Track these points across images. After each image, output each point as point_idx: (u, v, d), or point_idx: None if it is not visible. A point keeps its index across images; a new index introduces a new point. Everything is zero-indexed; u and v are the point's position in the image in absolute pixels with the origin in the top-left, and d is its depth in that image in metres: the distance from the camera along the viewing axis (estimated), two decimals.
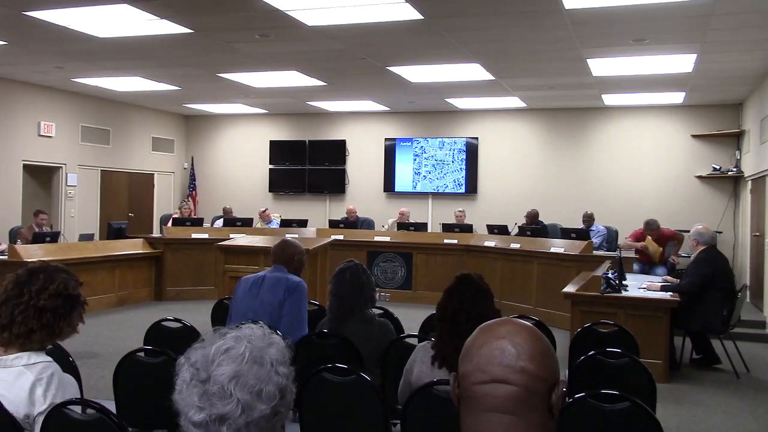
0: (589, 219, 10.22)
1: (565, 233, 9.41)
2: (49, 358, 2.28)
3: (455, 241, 9.95)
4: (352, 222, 11.51)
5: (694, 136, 11.35)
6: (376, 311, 4.04)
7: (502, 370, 1.18)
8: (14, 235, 9.29)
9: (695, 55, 7.75)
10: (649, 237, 8.16)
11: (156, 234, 11.04)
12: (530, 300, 8.70)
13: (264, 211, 11.79)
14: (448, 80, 9.61)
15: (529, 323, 1.30)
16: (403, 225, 11.09)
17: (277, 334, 1.43)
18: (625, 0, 5.84)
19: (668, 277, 7.04)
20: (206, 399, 1.27)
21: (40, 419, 2.17)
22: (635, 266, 8.26)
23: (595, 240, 9.68)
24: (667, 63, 8.20)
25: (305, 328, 4.04)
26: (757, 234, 9.17)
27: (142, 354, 3.30)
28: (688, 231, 6.92)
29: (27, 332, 2.22)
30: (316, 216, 12.74)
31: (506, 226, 10.12)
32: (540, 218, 10.74)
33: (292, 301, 4.02)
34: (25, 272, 2.31)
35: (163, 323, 4.08)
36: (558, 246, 8.86)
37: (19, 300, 2.24)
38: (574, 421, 2.56)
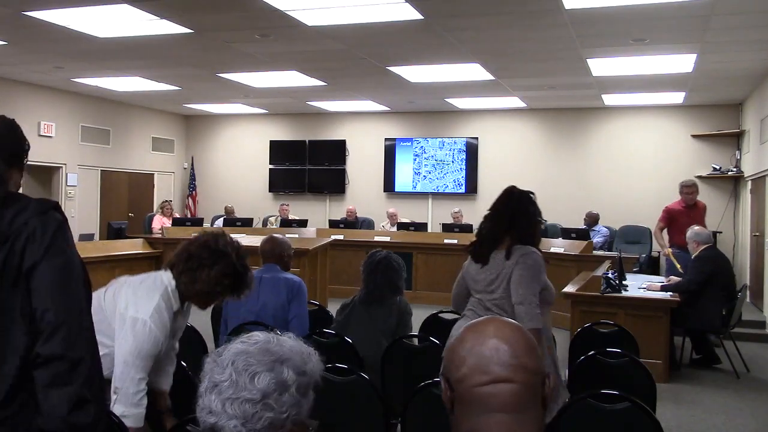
0: (590, 219, 10.20)
1: (565, 233, 9.40)
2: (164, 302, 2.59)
3: (455, 241, 9.93)
4: (352, 222, 11.52)
5: (694, 136, 11.35)
6: None
7: (503, 369, 1.17)
8: None
9: (695, 55, 7.74)
10: (671, 251, 7.62)
11: (145, 235, 10.94)
12: None
13: (285, 206, 12.07)
14: (448, 80, 9.60)
15: (508, 318, 1.30)
16: (403, 225, 11.09)
17: (277, 333, 1.44)
18: (625, 0, 5.84)
19: (672, 277, 7.03)
20: (211, 367, 1.37)
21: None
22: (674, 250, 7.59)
23: (597, 240, 9.67)
24: (667, 63, 8.20)
25: (307, 328, 4.07)
26: (757, 234, 9.17)
27: None
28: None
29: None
30: (316, 216, 12.74)
31: None
32: None
33: (299, 303, 4.06)
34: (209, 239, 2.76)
35: None
36: (558, 246, 8.85)
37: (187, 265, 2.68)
38: (574, 421, 2.56)
